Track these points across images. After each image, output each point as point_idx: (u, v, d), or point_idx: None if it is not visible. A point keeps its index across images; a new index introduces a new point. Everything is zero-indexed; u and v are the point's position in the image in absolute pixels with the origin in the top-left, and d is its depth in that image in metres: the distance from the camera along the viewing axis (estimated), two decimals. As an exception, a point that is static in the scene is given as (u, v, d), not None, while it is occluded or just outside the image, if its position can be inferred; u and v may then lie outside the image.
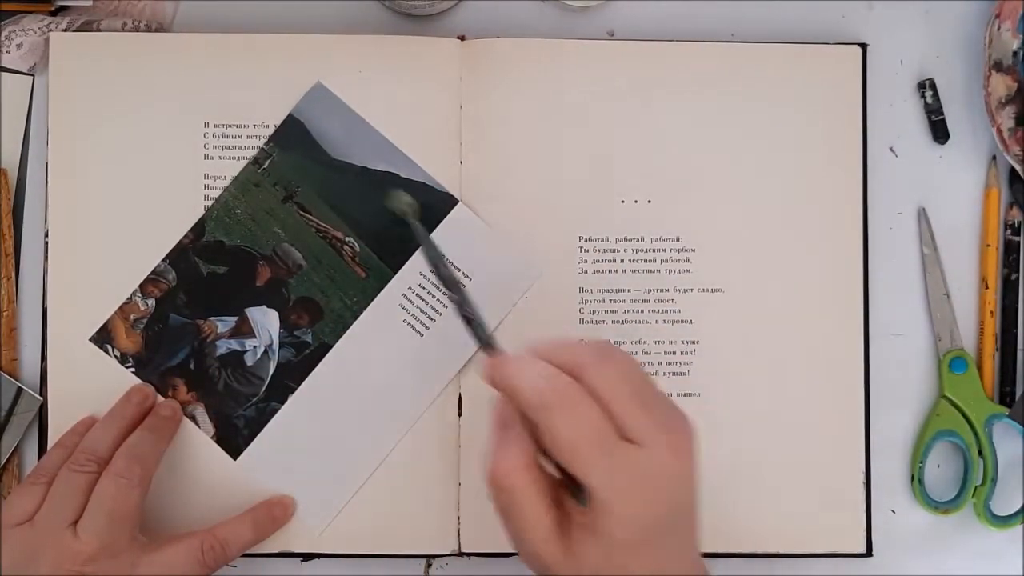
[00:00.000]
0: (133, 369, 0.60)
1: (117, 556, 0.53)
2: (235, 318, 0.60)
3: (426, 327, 0.60)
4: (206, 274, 0.60)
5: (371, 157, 0.60)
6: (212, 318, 0.60)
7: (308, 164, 0.60)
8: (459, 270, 0.60)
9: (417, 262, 0.60)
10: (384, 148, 0.60)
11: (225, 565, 0.57)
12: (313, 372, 0.60)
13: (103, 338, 0.60)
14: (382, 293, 0.60)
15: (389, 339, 0.60)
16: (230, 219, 0.60)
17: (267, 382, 0.60)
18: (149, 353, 0.60)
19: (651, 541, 0.45)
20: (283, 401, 0.60)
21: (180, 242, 0.60)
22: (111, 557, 0.53)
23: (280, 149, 0.60)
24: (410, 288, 0.60)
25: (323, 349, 0.60)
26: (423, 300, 0.60)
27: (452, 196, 0.60)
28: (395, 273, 0.60)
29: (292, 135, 0.60)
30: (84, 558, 0.52)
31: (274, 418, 0.60)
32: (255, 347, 0.60)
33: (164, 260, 0.60)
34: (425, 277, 0.60)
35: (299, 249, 0.60)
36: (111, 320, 0.60)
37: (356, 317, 0.60)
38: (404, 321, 0.60)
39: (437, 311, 0.60)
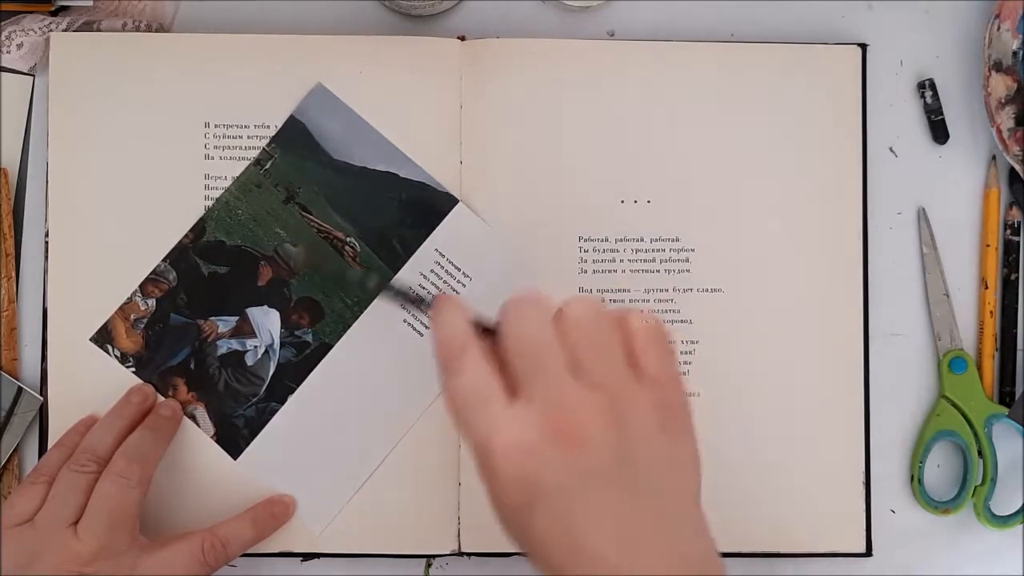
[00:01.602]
0: (133, 369, 0.60)
1: (117, 556, 0.53)
2: (236, 318, 0.60)
3: (426, 327, 0.60)
4: (207, 274, 0.60)
5: (371, 157, 0.60)
6: (213, 318, 0.60)
7: (309, 165, 0.60)
8: (459, 270, 0.60)
9: (417, 262, 0.60)
10: (384, 148, 0.60)
11: (226, 564, 0.57)
12: (313, 372, 0.60)
13: (103, 338, 0.60)
14: (383, 294, 0.60)
15: (389, 339, 0.60)
16: (231, 219, 0.60)
17: (267, 382, 0.60)
18: (149, 353, 0.60)
19: (537, 504, 0.42)
20: (283, 401, 0.60)
21: (180, 242, 0.60)
22: (111, 557, 0.53)
23: (281, 150, 0.60)
24: (410, 288, 0.60)
25: (323, 349, 0.60)
26: (423, 300, 0.60)
27: (452, 196, 0.60)
28: (395, 273, 0.60)
29: (293, 136, 0.60)
30: (84, 559, 0.52)
31: (274, 418, 0.60)
32: (255, 347, 0.60)
33: (164, 260, 0.60)
34: (425, 277, 0.60)
35: (301, 248, 0.60)
36: (111, 320, 0.60)
37: (356, 317, 0.60)
38: (404, 321, 0.60)
39: None
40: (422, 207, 0.60)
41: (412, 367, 0.60)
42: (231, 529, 0.57)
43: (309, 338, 0.60)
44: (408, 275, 0.60)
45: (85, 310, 0.60)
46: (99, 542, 0.53)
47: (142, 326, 0.60)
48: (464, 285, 0.60)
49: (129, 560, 0.53)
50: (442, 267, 0.60)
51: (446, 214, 0.60)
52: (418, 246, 0.60)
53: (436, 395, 0.60)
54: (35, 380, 0.61)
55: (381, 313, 0.60)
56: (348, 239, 0.60)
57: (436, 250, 0.60)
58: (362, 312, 0.60)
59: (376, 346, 0.60)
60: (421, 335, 0.60)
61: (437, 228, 0.60)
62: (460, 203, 0.60)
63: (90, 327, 0.60)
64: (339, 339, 0.60)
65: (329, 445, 0.60)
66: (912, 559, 0.62)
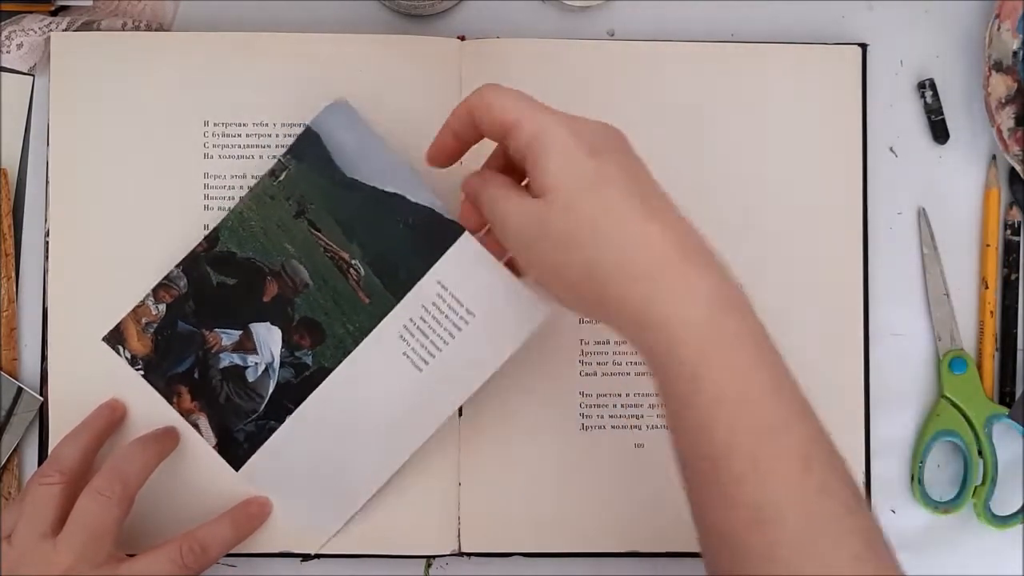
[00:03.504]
0: (142, 372, 0.60)
1: (93, 569, 0.53)
2: (239, 332, 0.59)
3: (425, 362, 0.57)
4: (216, 284, 0.59)
5: (382, 178, 0.58)
6: (218, 329, 0.59)
7: (321, 180, 0.58)
8: (461, 305, 0.57)
9: (418, 293, 0.57)
10: (396, 169, 0.58)
11: (207, 567, 0.56)
12: (311, 396, 0.58)
13: (116, 339, 0.60)
14: (383, 322, 0.58)
15: (387, 371, 0.58)
16: (244, 231, 0.59)
17: (266, 400, 0.59)
18: (158, 358, 0.60)
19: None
20: (281, 421, 0.59)
21: (194, 250, 0.59)
22: (87, 571, 0.53)
23: (296, 161, 0.58)
24: (411, 320, 0.57)
25: (322, 373, 0.58)
26: (423, 334, 0.57)
27: (458, 224, 0.57)
28: (397, 302, 0.58)
29: (308, 148, 0.58)
30: (61, 570, 0.52)
31: (272, 436, 0.59)
32: (256, 364, 0.59)
33: (178, 267, 0.59)
34: (426, 310, 0.57)
35: (306, 267, 0.58)
36: (124, 322, 0.59)
37: (357, 344, 0.58)
38: (404, 354, 0.57)
39: (437, 347, 0.57)
40: (427, 234, 0.57)
41: (409, 404, 0.58)
42: (209, 531, 0.57)
43: (309, 360, 0.58)
44: (410, 306, 0.57)
45: (85, 310, 0.60)
46: (75, 555, 0.53)
47: (152, 330, 0.60)
48: (467, 322, 0.57)
49: (106, 572, 0.53)
50: (443, 300, 0.57)
51: (451, 243, 0.57)
52: (421, 275, 0.57)
53: (433, 432, 0.58)
54: (35, 380, 0.61)
55: (380, 343, 0.58)
56: (353, 261, 0.58)
57: (438, 282, 0.57)
58: (362, 339, 0.58)
59: (374, 376, 0.58)
60: (420, 371, 0.57)
61: (441, 259, 0.57)
62: (466, 233, 0.56)
63: (90, 328, 0.60)
64: (338, 365, 0.58)
65: (326, 469, 0.59)
66: (912, 559, 0.62)
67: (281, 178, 0.58)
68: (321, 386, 0.58)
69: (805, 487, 0.44)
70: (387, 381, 0.58)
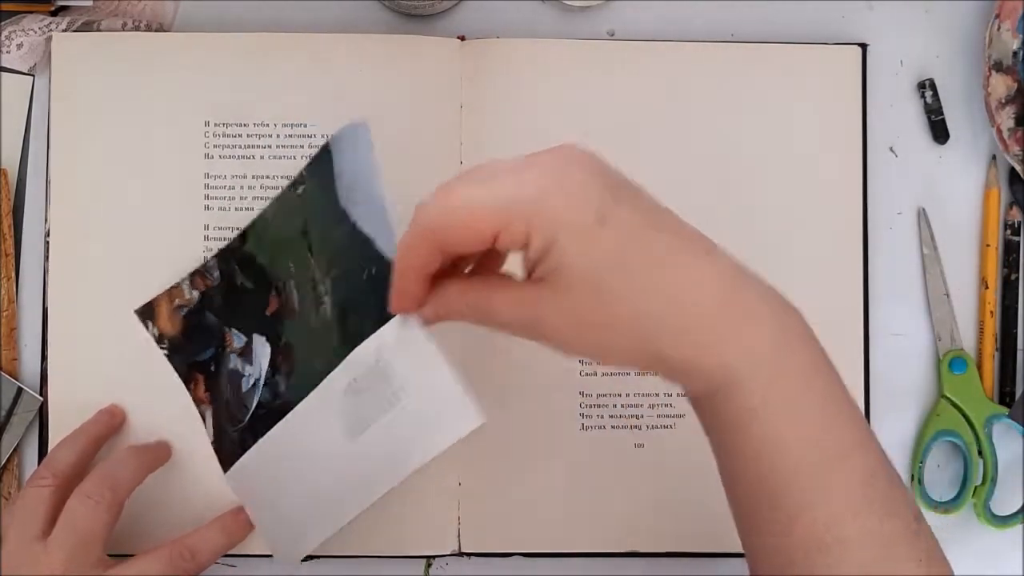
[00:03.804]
0: (166, 352, 0.60)
1: (85, 571, 0.53)
2: (246, 339, 0.58)
3: (359, 431, 0.52)
4: (239, 284, 0.58)
5: (363, 215, 0.52)
6: (232, 330, 0.59)
7: (324, 203, 0.55)
8: (390, 385, 0.50)
9: (360, 355, 0.51)
10: (374, 209, 0.51)
11: (198, 572, 0.56)
12: (278, 424, 0.55)
13: (146, 314, 0.60)
14: (333, 373, 0.52)
15: (330, 427, 0.52)
16: (263, 238, 0.57)
17: (249, 413, 0.58)
18: (184, 341, 0.59)
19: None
20: (256, 439, 0.57)
21: (229, 244, 0.58)
22: (78, 572, 0.53)
23: (309, 177, 0.56)
24: (354, 380, 0.51)
25: (288, 406, 0.55)
26: (360, 400, 0.51)
27: None
28: (345, 356, 0.52)
29: (321, 166, 0.55)
30: (51, 571, 0.52)
31: (247, 453, 0.57)
32: (249, 375, 0.58)
33: (214, 257, 0.59)
34: (365, 376, 0.51)
35: (298, 293, 0.56)
36: (157, 299, 0.59)
37: (314, 387, 0.53)
38: (343, 413, 0.52)
39: (369, 419, 0.51)
40: (383, 290, 0.46)
41: (343, 471, 0.53)
42: (200, 537, 0.56)
43: (283, 388, 0.56)
44: (353, 365, 0.51)
45: (85, 310, 0.60)
46: (66, 557, 0.53)
47: (184, 312, 0.59)
48: (392, 405, 0.50)
49: (97, 574, 0.53)
50: (377, 372, 0.50)
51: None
52: (368, 334, 0.50)
53: (376, 498, 0.54)
54: (35, 380, 0.61)
55: (328, 396, 0.53)
56: (324, 298, 0.54)
57: (377, 349, 0.50)
58: (318, 383, 0.53)
59: (319, 429, 0.53)
60: (353, 439, 0.52)
61: (385, 326, 0.49)
62: None
63: (90, 328, 0.60)
64: (299, 402, 0.54)
65: (294, 494, 0.56)
66: (912, 559, 0.62)
67: (299, 191, 0.57)
68: (284, 419, 0.55)
69: (868, 511, 0.44)
70: (328, 437, 0.53)
